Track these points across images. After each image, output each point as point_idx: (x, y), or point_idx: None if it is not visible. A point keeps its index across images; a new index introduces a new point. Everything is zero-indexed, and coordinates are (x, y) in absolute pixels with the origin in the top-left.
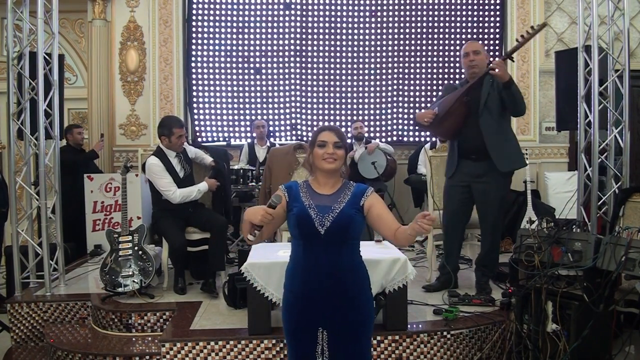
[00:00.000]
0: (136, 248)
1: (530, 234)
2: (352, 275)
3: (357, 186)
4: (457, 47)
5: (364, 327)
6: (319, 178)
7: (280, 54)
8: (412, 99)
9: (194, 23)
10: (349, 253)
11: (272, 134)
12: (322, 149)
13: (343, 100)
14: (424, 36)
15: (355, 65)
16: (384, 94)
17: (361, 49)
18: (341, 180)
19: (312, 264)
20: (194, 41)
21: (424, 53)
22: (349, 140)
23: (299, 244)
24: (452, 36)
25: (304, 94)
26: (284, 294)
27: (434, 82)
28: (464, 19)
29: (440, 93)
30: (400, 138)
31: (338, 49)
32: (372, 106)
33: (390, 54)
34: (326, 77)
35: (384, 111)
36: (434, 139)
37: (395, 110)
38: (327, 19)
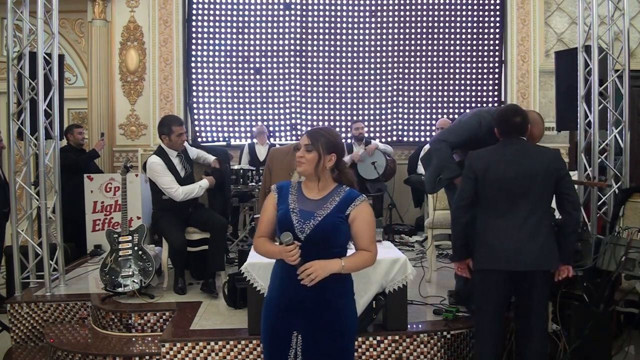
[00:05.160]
0: (136, 248)
1: None
2: (332, 284)
3: (348, 192)
4: (457, 47)
5: (343, 337)
6: (307, 181)
7: (280, 54)
8: (412, 99)
9: (194, 23)
10: None
11: (272, 134)
12: (298, 152)
13: (343, 100)
14: (424, 36)
15: (355, 65)
16: (384, 94)
17: (361, 49)
18: (333, 184)
19: (291, 268)
20: (194, 41)
21: (424, 53)
22: (348, 141)
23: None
24: (452, 36)
25: (304, 94)
26: (265, 294)
27: (434, 82)
28: (464, 19)
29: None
30: (400, 138)
31: (338, 49)
32: (372, 106)
33: (390, 54)
34: (326, 77)
35: (384, 111)
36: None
37: (395, 110)
38: (327, 19)
